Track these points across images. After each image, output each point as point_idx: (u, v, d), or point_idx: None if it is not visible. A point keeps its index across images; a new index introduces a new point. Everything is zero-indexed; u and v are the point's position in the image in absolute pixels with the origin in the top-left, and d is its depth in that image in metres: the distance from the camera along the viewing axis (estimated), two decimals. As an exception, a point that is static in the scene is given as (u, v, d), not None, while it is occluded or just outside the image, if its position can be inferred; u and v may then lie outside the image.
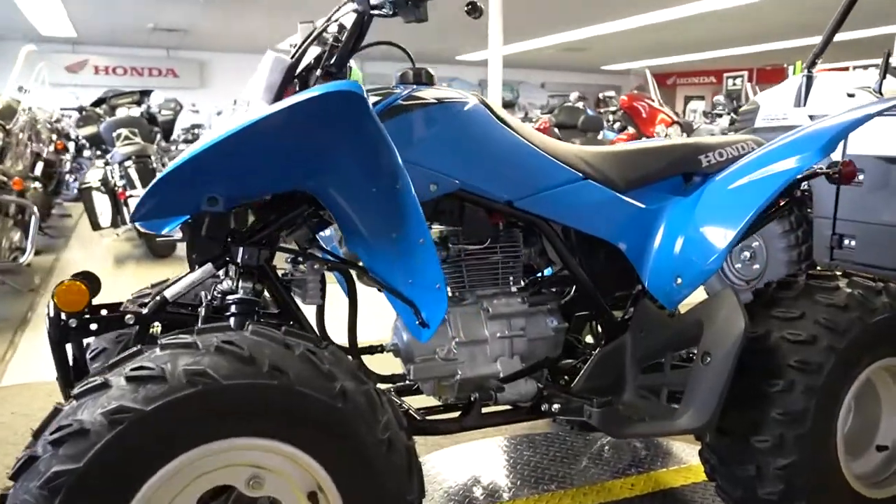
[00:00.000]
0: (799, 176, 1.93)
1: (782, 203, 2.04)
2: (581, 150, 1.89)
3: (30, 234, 4.35)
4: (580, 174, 1.82)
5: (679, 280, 1.72)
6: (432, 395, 1.86)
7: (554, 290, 2.00)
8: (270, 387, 1.12)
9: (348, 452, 1.19)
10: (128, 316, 1.50)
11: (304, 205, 1.57)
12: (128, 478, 1.05)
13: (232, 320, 1.48)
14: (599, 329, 1.95)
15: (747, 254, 4.14)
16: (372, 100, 1.60)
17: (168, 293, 1.54)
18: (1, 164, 4.32)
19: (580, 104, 9.96)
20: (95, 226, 5.82)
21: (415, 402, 1.88)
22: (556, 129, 9.33)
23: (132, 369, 1.09)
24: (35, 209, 4.36)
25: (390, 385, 1.98)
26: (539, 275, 2.02)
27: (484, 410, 1.78)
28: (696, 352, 1.59)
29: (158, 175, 1.30)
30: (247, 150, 1.29)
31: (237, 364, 1.12)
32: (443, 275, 1.44)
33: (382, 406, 1.23)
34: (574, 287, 1.97)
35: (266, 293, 1.62)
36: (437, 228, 1.86)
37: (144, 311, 1.52)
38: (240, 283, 1.53)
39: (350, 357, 1.38)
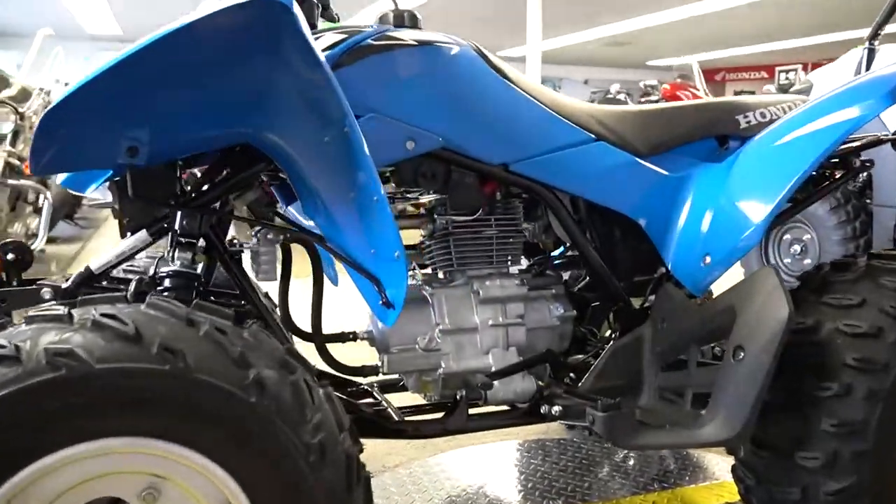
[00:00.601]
0: (858, 144, 1.60)
1: (838, 175, 1.71)
2: (595, 108, 1.60)
3: (42, 219, 4.24)
4: (592, 135, 1.53)
5: (707, 259, 1.42)
6: (416, 392, 1.60)
7: (562, 272, 1.72)
8: (160, 373, 0.87)
9: (265, 460, 0.93)
10: (44, 290, 1.28)
11: (260, 164, 1.33)
12: None
13: (130, 292, 1.23)
14: (613, 319, 1.65)
15: (797, 248, 3.75)
16: (334, 38, 1.34)
17: (93, 265, 1.32)
18: (13, 147, 4.22)
19: (621, 96, 9.55)
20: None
21: (404, 399, 1.63)
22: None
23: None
24: (48, 193, 4.24)
25: (373, 379, 1.73)
26: (547, 255, 1.74)
27: (473, 411, 1.51)
28: (726, 346, 1.29)
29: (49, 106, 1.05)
30: (152, 76, 1.03)
31: (117, 343, 0.87)
32: (400, 241, 1.17)
33: (314, 402, 0.97)
34: (584, 269, 1.68)
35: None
36: (424, 199, 1.60)
37: (65, 284, 1.29)
38: (175, 254, 1.29)
39: (284, 342, 1.12)
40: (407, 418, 1.53)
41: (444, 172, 1.47)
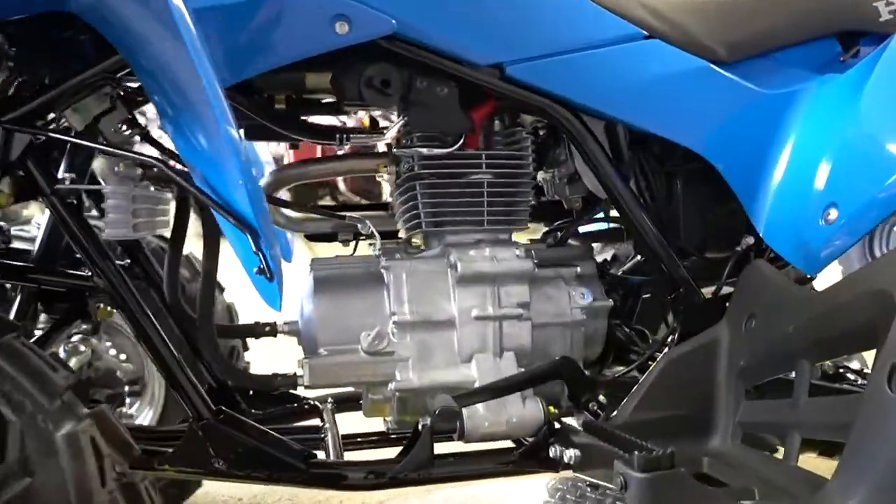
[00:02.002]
0: None
1: None
2: None
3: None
4: (642, 29, 0.98)
5: (832, 214, 0.84)
6: (369, 417, 1.09)
7: (594, 243, 1.17)
8: None
9: None
10: None
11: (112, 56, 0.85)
12: None
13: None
14: (672, 315, 1.08)
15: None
16: None
17: None
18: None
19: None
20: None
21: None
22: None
23: None
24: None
25: (332, 392, 1.22)
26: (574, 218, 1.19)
27: (446, 449, 0.98)
28: (868, 365, 0.72)
29: None
30: None
31: None
32: (248, 171, 0.65)
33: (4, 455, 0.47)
34: (629, 239, 1.13)
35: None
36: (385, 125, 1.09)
37: None
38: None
39: None
40: (352, 457, 1.02)
41: (403, 79, 0.95)
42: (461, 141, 1.00)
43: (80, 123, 0.90)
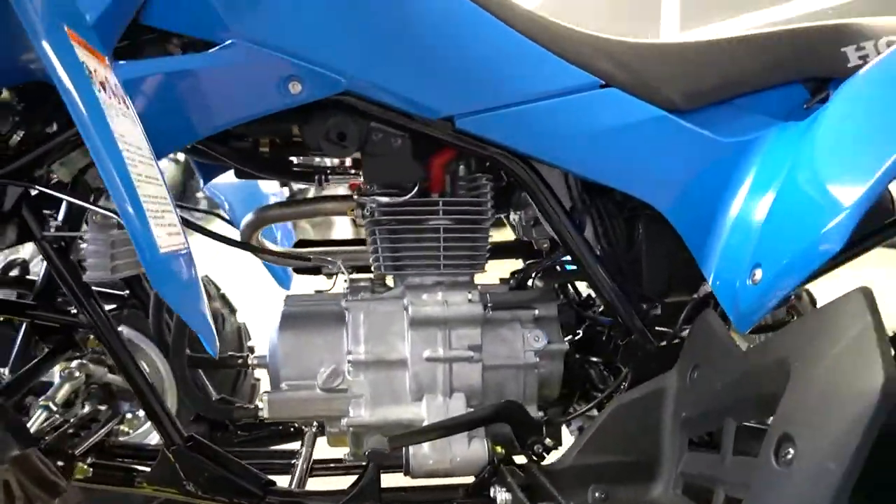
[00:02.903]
0: None
1: None
2: (611, 40, 1.06)
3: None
4: (597, 77, 1.00)
5: (757, 274, 0.84)
6: (332, 446, 1.15)
7: (559, 284, 1.19)
8: None
9: None
10: None
11: None
12: None
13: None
14: (625, 361, 1.09)
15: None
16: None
17: None
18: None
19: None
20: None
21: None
22: None
23: None
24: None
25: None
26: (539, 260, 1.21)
27: (394, 483, 1.03)
28: (768, 431, 0.72)
29: None
30: None
31: None
32: (155, 262, 0.68)
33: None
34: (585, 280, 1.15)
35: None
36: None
37: None
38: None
39: None
40: (323, 480, 1.08)
41: (359, 131, 1.00)
42: (415, 189, 1.04)
43: (67, 176, 1.00)
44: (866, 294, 0.68)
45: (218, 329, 1.57)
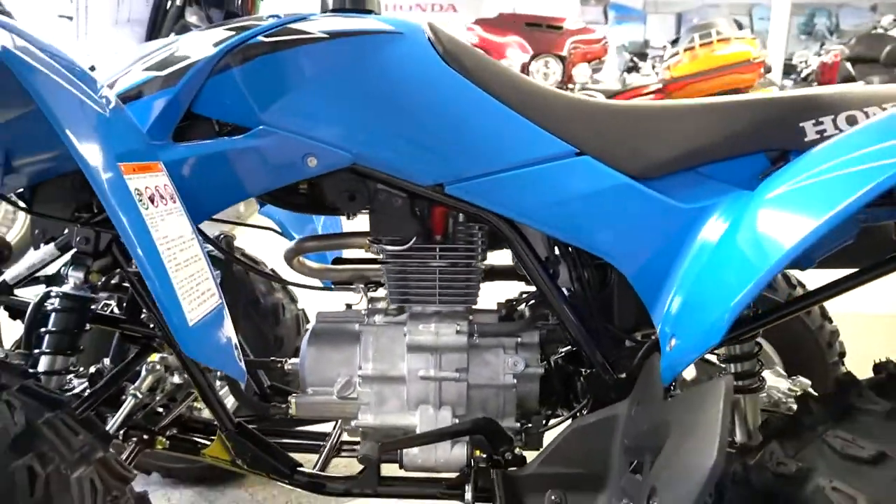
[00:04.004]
0: None
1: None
2: (588, 104, 1.20)
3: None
4: (573, 146, 1.15)
5: (672, 343, 1.00)
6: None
7: (539, 318, 1.36)
8: None
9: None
10: (-33, 296, 1.31)
11: None
12: None
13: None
14: (587, 389, 1.27)
15: None
16: (222, 35, 1.14)
17: (8, 275, 1.31)
18: None
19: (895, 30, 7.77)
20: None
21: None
22: (847, 64, 7.42)
23: None
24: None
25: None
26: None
27: (391, 474, 1.28)
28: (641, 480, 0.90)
29: None
30: None
31: None
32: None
33: (36, 494, 0.85)
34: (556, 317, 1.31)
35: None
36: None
37: (-19, 291, 1.31)
38: (69, 272, 1.23)
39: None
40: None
41: (366, 192, 1.21)
42: (413, 239, 1.24)
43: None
44: (727, 384, 0.84)
45: (279, 317, 1.86)
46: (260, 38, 1.12)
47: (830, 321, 1.82)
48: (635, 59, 10.07)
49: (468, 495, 1.17)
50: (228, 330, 1.04)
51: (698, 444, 0.82)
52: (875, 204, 0.89)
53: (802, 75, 9.25)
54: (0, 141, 1.11)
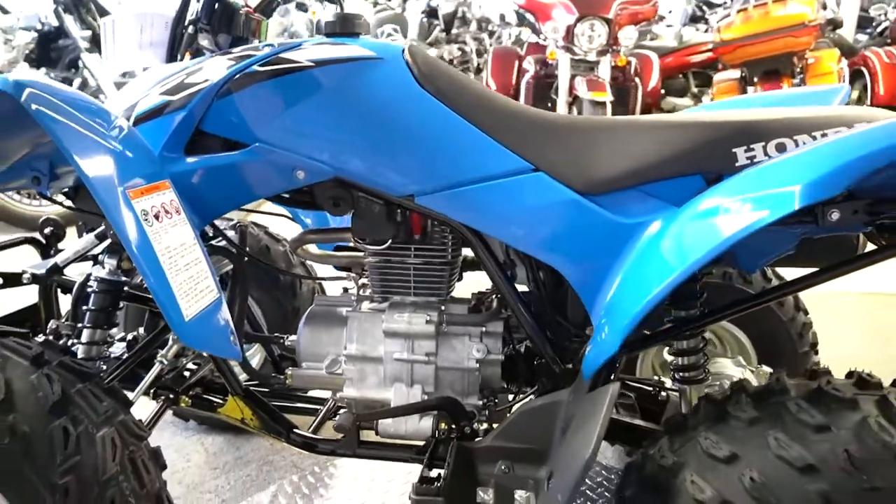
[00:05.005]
0: None
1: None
2: (547, 121, 1.33)
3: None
4: (531, 163, 1.30)
5: (595, 342, 1.16)
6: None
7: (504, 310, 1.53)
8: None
9: (18, 492, 1.09)
10: (25, 275, 1.57)
11: None
12: None
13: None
14: (536, 376, 1.44)
15: None
16: (225, 63, 1.32)
17: (59, 259, 1.57)
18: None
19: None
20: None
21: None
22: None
23: None
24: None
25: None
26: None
27: (369, 439, 1.50)
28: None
29: None
30: None
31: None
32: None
33: (67, 448, 1.09)
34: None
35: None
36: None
37: (39, 272, 1.57)
38: (105, 259, 1.47)
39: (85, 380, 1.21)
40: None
41: (350, 199, 1.39)
42: (390, 240, 1.42)
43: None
44: (613, 392, 1.01)
45: (296, 290, 2.09)
46: (255, 67, 1.30)
47: (806, 313, 1.92)
48: (704, 6, 9.71)
49: (425, 460, 1.37)
50: (224, 318, 1.25)
51: (583, 439, 0.99)
52: (806, 221, 1.03)
53: (879, 30, 8.78)
54: (44, 155, 1.34)
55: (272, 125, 1.31)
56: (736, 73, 5.96)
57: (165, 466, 1.26)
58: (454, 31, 8.13)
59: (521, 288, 1.45)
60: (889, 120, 0.96)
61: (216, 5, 1.41)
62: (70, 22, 5.47)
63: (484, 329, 1.47)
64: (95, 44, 5.58)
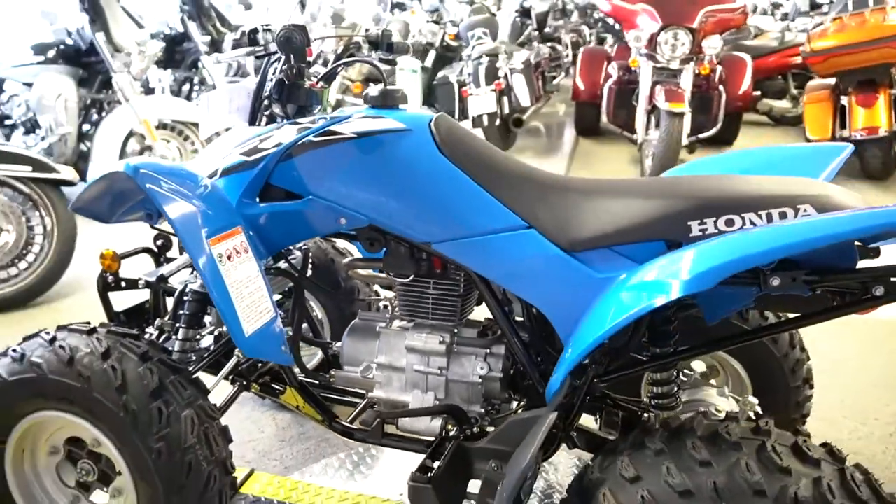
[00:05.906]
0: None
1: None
2: (545, 182, 1.62)
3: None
4: (526, 221, 1.60)
5: (553, 374, 1.46)
6: (379, 399, 1.99)
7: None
8: (76, 388, 1.51)
9: (129, 448, 1.53)
10: (140, 281, 2.03)
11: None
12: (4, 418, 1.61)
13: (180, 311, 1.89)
14: (522, 394, 1.74)
15: None
16: (290, 132, 1.69)
17: (165, 269, 2.01)
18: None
19: None
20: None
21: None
22: None
23: (13, 349, 1.59)
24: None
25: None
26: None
27: (392, 431, 1.85)
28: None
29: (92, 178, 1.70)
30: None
31: (58, 363, 1.53)
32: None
33: (161, 422, 1.51)
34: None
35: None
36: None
37: (151, 279, 2.02)
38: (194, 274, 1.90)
39: (175, 374, 1.63)
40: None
41: (382, 240, 1.74)
42: (413, 275, 1.75)
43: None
44: (550, 419, 1.30)
45: (355, 297, 2.47)
46: (310, 137, 1.66)
47: (803, 350, 2.10)
48: (813, -1, 9.30)
49: (428, 453, 1.72)
50: (278, 332, 1.64)
51: (523, 453, 1.30)
52: (754, 283, 1.28)
53: None
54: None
55: (322, 183, 1.67)
56: (830, 82, 5.83)
57: (231, 440, 1.67)
58: (547, 29, 8.27)
59: (521, 319, 1.76)
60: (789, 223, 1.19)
61: (285, 83, 1.78)
62: (193, 28, 6.15)
63: (488, 351, 1.78)
64: (214, 47, 6.23)
